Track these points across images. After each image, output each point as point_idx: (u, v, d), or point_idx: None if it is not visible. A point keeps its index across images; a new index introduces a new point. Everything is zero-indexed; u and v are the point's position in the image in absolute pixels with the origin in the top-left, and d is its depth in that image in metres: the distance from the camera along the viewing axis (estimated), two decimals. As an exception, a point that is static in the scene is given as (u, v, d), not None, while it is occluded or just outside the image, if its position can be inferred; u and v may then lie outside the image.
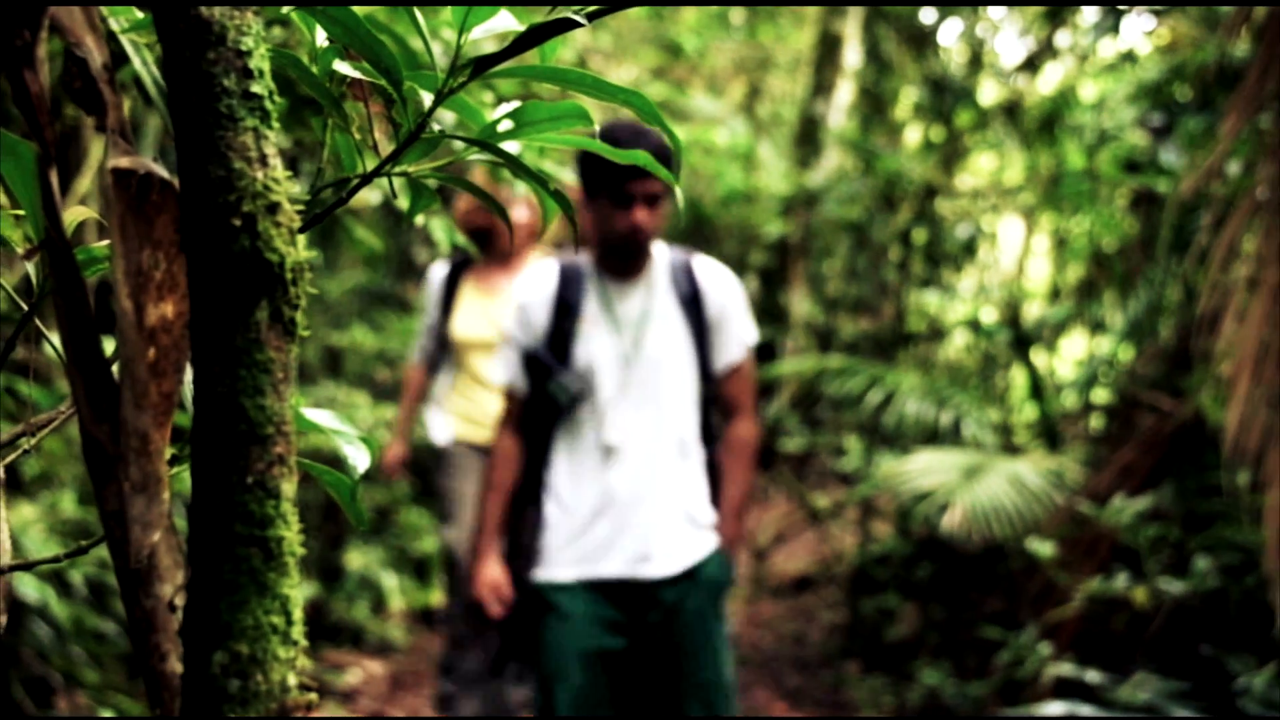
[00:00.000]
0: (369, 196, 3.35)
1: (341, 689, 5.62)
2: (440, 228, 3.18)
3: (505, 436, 3.47)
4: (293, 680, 0.58)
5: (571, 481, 3.39)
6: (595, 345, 3.33)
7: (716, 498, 3.48)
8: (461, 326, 4.83)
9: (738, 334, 3.45)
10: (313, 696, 0.58)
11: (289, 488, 0.59)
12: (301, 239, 0.66)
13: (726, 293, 3.46)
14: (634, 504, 3.33)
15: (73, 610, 3.45)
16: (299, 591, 0.59)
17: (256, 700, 0.57)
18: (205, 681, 0.58)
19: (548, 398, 3.34)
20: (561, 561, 3.35)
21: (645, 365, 3.34)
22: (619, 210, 3.20)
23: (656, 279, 3.40)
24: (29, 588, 3.19)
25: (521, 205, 4.62)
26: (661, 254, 3.42)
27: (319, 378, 6.77)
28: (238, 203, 0.59)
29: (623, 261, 3.35)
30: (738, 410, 3.51)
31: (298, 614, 0.59)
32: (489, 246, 4.85)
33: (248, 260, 0.59)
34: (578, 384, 3.33)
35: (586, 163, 3.28)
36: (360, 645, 6.32)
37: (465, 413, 4.86)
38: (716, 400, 3.50)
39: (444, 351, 4.96)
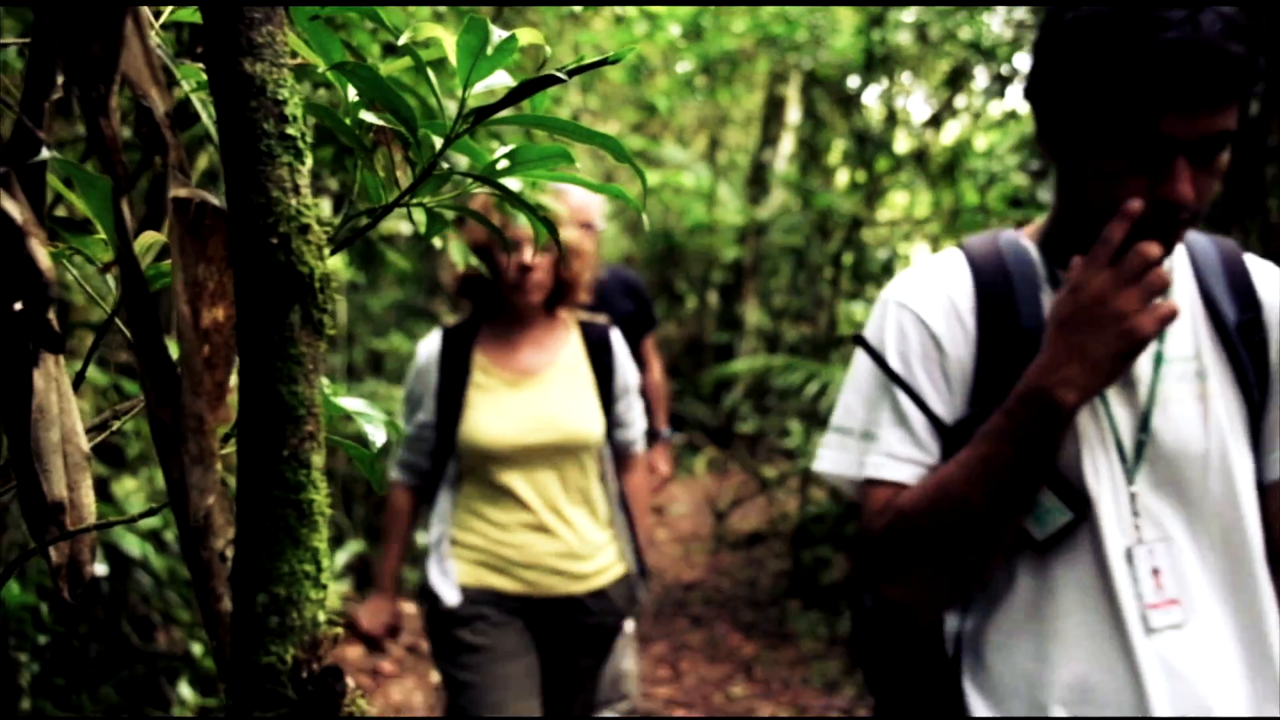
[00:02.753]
0: (401, 227, 3.28)
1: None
2: (457, 249, 2.52)
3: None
4: (322, 617, 0.59)
5: (1043, 673, 1.38)
6: (1079, 424, 1.38)
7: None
8: (481, 428, 2.68)
9: None
10: (339, 630, 0.59)
11: (318, 459, 0.60)
12: (338, 258, 0.66)
13: None
14: None
15: (168, 563, 3.42)
16: (327, 544, 0.60)
17: (292, 634, 0.58)
18: (251, 618, 0.58)
19: None
20: None
21: (1169, 463, 1.39)
22: (1134, 176, 1.29)
23: (1175, 288, 1.44)
24: (132, 545, 3.16)
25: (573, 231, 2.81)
26: None
27: (365, 376, 6.74)
28: (275, 224, 0.59)
29: None
30: None
31: (326, 563, 0.59)
32: (500, 299, 2.77)
33: (283, 272, 0.59)
34: (1066, 511, 1.36)
35: (1070, 79, 1.31)
36: (400, 590, 6.28)
37: (486, 550, 2.74)
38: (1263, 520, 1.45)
39: (443, 464, 2.76)
